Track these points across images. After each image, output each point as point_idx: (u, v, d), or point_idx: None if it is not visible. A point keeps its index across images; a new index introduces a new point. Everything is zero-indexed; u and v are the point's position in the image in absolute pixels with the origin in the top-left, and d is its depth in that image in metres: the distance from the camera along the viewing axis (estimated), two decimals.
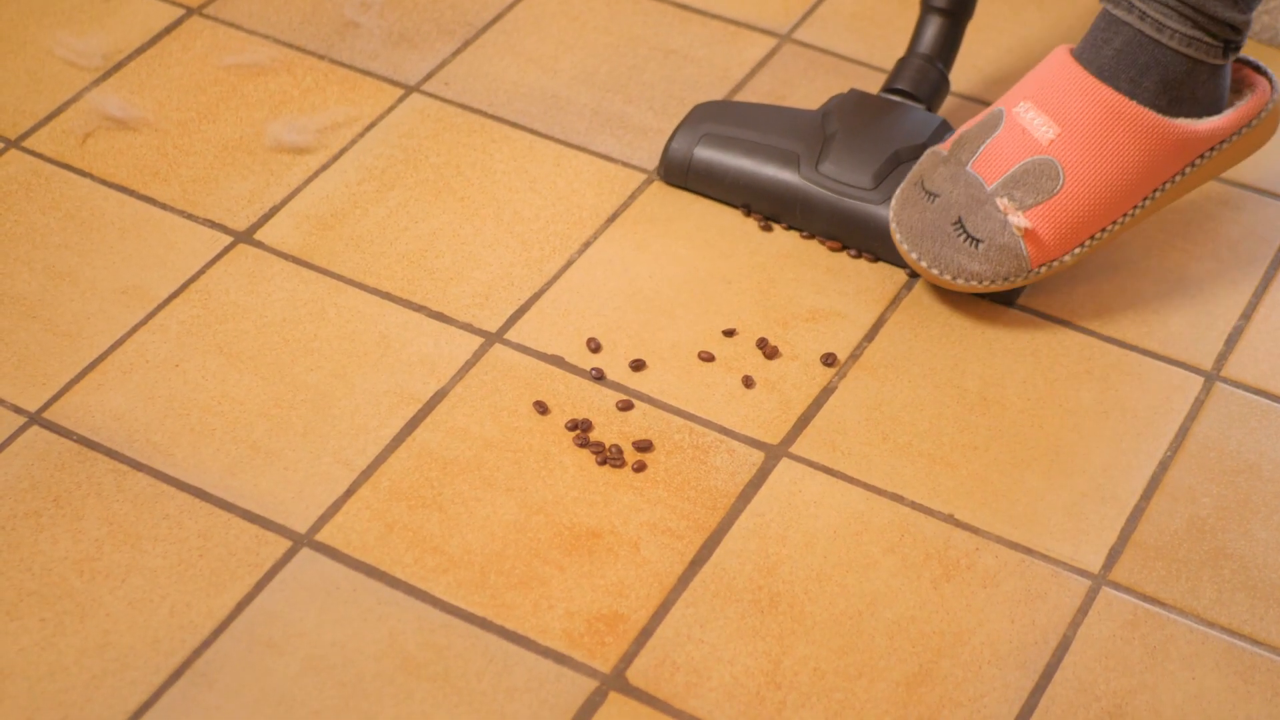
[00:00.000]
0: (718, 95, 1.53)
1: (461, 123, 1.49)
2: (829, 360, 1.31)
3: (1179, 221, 1.44)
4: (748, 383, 1.29)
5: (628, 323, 1.33)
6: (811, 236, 1.41)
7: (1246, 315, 1.37)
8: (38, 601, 1.14)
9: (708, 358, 1.31)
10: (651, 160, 1.47)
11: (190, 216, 1.40)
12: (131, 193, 1.42)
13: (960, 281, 1.32)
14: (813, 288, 1.37)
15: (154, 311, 1.32)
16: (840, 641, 1.14)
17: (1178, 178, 1.33)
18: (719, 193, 1.43)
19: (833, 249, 1.40)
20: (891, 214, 1.34)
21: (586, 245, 1.39)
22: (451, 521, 1.20)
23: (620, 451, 1.24)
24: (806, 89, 1.54)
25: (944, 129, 1.42)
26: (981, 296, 1.36)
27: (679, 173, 1.44)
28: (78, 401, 1.26)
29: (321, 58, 1.55)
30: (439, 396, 1.27)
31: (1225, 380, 1.32)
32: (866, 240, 1.39)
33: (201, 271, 1.36)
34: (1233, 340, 1.35)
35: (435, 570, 1.17)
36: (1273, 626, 1.17)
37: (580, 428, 1.25)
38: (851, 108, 1.43)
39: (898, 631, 1.15)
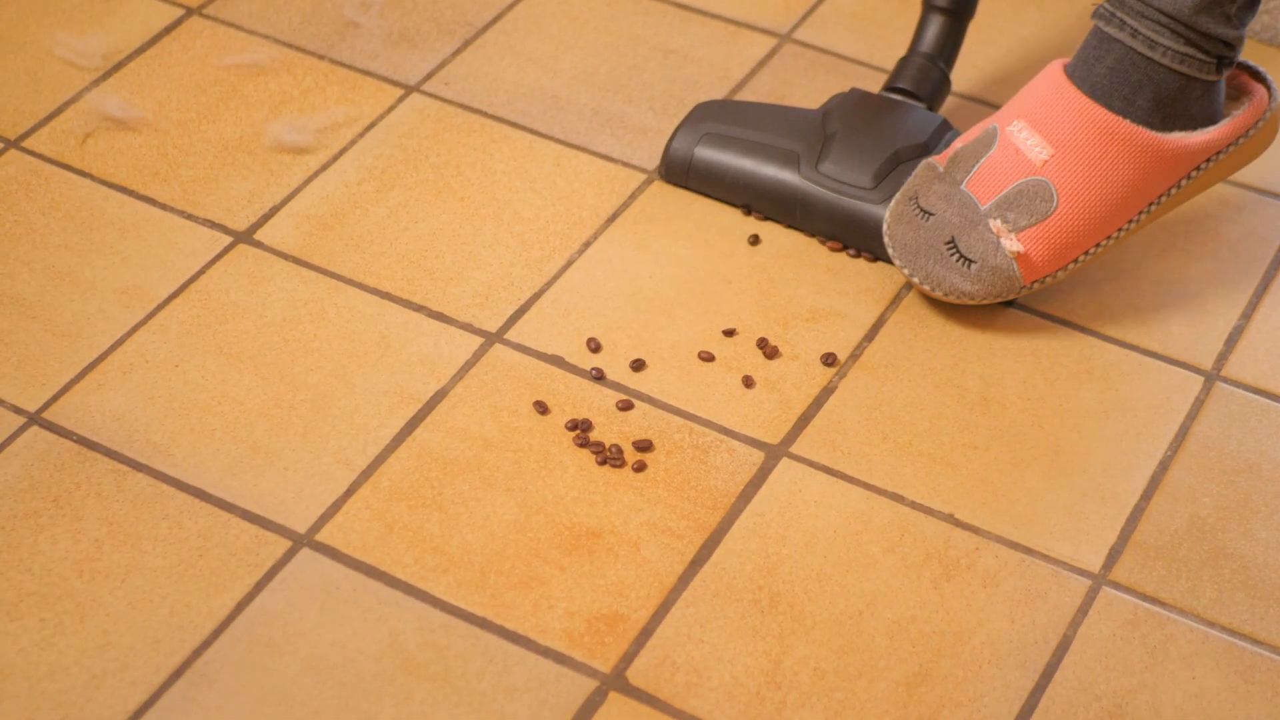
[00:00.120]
0: (718, 95, 1.53)
1: (461, 123, 1.49)
2: (829, 360, 1.31)
3: (1179, 222, 1.44)
4: (748, 382, 1.29)
5: (628, 322, 1.33)
6: (813, 235, 1.41)
7: (1246, 315, 1.37)
8: (37, 602, 1.14)
9: (708, 357, 1.31)
10: (651, 160, 1.47)
11: (190, 217, 1.40)
12: (131, 193, 1.42)
13: (952, 298, 1.32)
14: (813, 288, 1.37)
15: (154, 312, 1.32)
16: (840, 641, 1.14)
17: (1173, 190, 1.33)
18: (719, 192, 1.43)
19: (833, 249, 1.40)
20: (885, 227, 1.34)
21: (586, 245, 1.39)
22: (451, 521, 1.20)
23: (620, 451, 1.24)
24: (807, 89, 1.54)
25: (945, 128, 1.42)
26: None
27: (679, 172, 1.44)
28: (77, 402, 1.26)
29: (321, 58, 1.55)
30: (439, 396, 1.27)
31: (1225, 380, 1.32)
32: (867, 240, 1.39)
33: (201, 272, 1.36)
34: (1233, 340, 1.35)
35: (435, 570, 1.17)
36: (1273, 626, 1.17)
37: (580, 428, 1.25)
38: (852, 107, 1.43)
39: (898, 631, 1.15)
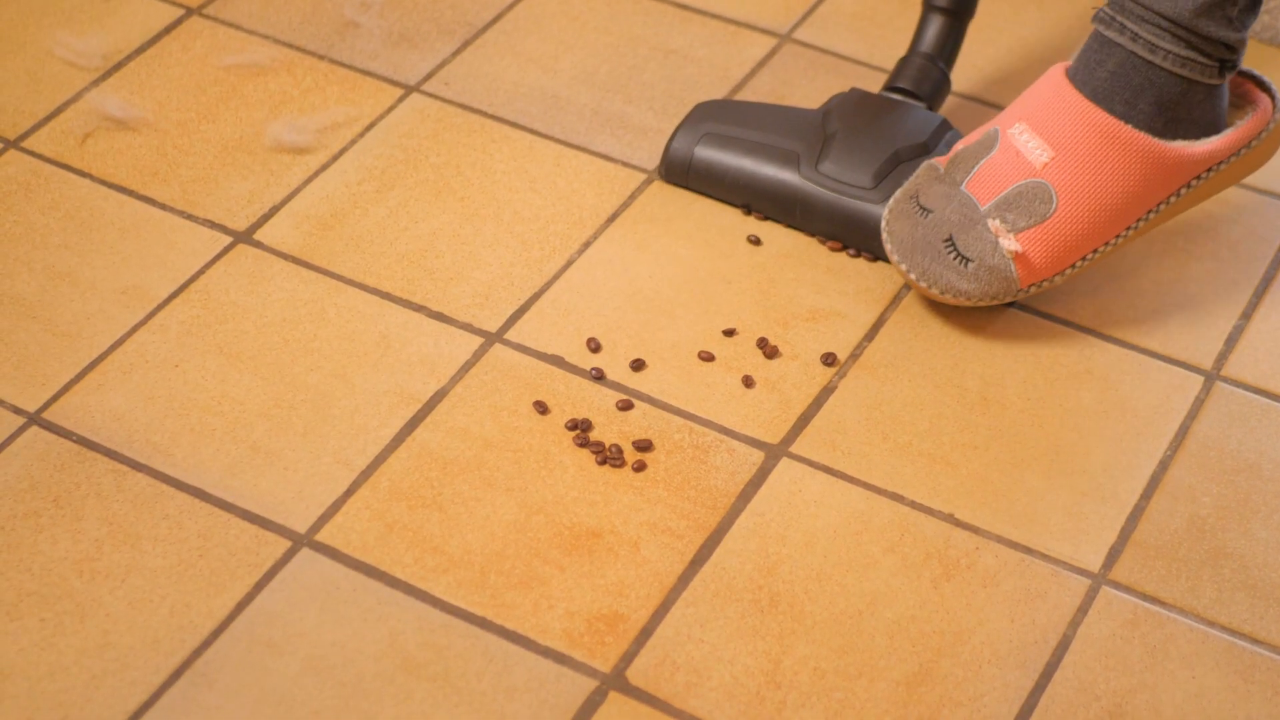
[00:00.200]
0: (718, 95, 1.53)
1: (461, 123, 1.49)
2: (829, 360, 1.31)
3: (1179, 222, 1.44)
4: (748, 382, 1.29)
5: (628, 322, 1.33)
6: (813, 235, 1.41)
7: (1246, 315, 1.37)
8: (37, 602, 1.14)
9: (708, 357, 1.31)
10: (651, 160, 1.47)
11: (190, 217, 1.40)
12: (131, 193, 1.42)
13: (949, 297, 1.32)
14: (813, 287, 1.37)
15: (154, 312, 1.32)
16: (840, 641, 1.14)
17: (1173, 199, 1.33)
18: (719, 192, 1.43)
19: (833, 249, 1.40)
20: (884, 223, 1.34)
21: (586, 245, 1.39)
22: (451, 521, 1.20)
23: (620, 451, 1.24)
24: (807, 89, 1.54)
25: (945, 128, 1.42)
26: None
27: (680, 172, 1.44)
28: (77, 402, 1.26)
29: (321, 58, 1.55)
30: (439, 396, 1.27)
31: (1225, 380, 1.32)
32: (866, 239, 1.39)
33: (201, 272, 1.36)
34: (1233, 340, 1.35)
35: (435, 570, 1.17)
36: (1273, 626, 1.17)
37: (580, 427, 1.25)
38: (852, 107, 1.43)
39: (898, 631, 1.15)
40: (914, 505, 1.22)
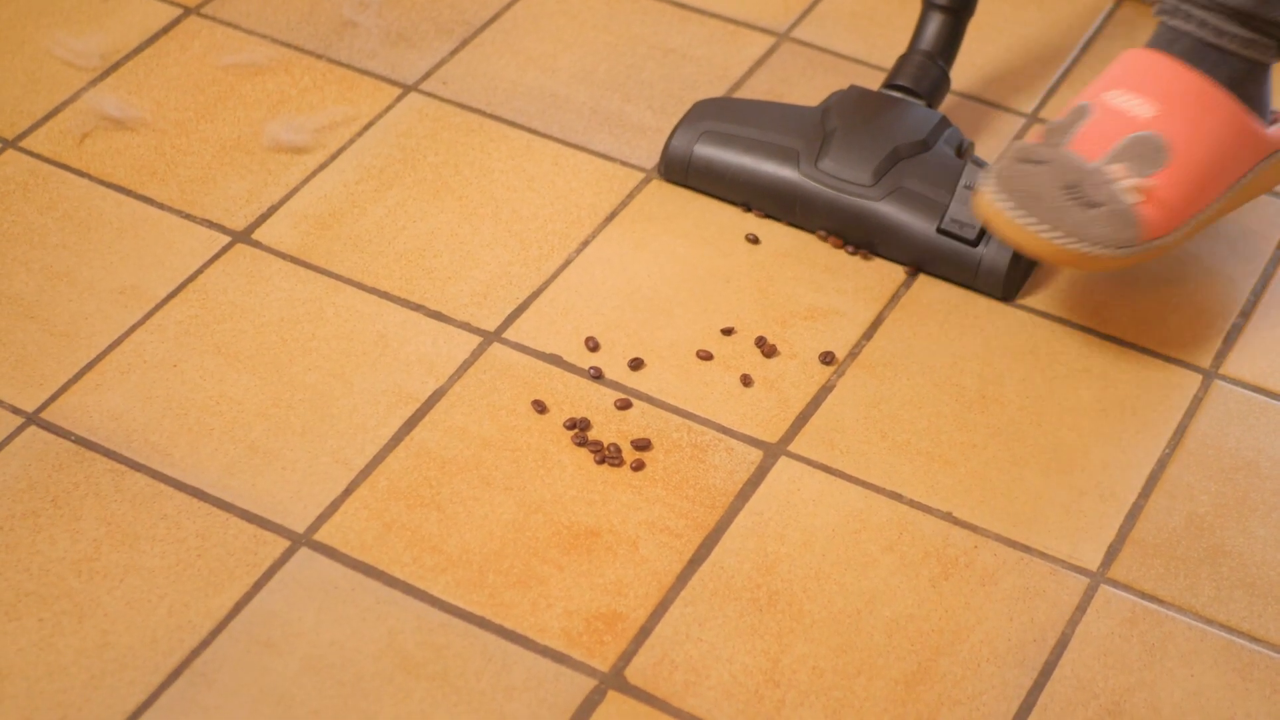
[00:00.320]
0: (717, 94, 1.53)
1: (460, 122, 1.49)
2: (827, 358, 1.31)
3: None
4: (746, 381, 1.29)
5: (626, 321, 1.33)
6: (813, 231, 1.41)
7: (1245, 313, 1.37)
8: (36, 602, 1.14)
9: (706, 356, 1.31)
10: (650, 159, 1.47)
11: (188, 216, 1.40)
12: (129, 192, 1.42)
13: (1072, 244, 1.26)
14: (811, 286, 1.37)
15: (152, 311, 1.32)
16: (839, 640, 1.14)
17: (1249, 175, 1.33)
18: (719, 190, 1.43)
19: (834, 245, 1.40)
20: (992, 187, 1.27)
21: (585, 244, 1.39)
22: (450, 521, 1.20)
23: (619, 450, 1.24)
24: (805, 87, 1.54)
25: (944, 125, 1.42)
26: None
27: (679, 170, 1.44)
28: (75, 402, 1.26)
29: (319, 57, 1.55)
30: (437, 396, 1.27)
31: (1224, 378, 1.32)
32: (866, 236, 1.39)
33: (199, 271, 1.36)
34: (1231, 338, 1.35)
35: (434, 569, 1.17)
36: (1271, 624, 1.17)
37: (578, 426, 1.25)
38: (851, 104, 1.43)
39: (896, 630, 1.15)
40: (912, 504, 1.22)
